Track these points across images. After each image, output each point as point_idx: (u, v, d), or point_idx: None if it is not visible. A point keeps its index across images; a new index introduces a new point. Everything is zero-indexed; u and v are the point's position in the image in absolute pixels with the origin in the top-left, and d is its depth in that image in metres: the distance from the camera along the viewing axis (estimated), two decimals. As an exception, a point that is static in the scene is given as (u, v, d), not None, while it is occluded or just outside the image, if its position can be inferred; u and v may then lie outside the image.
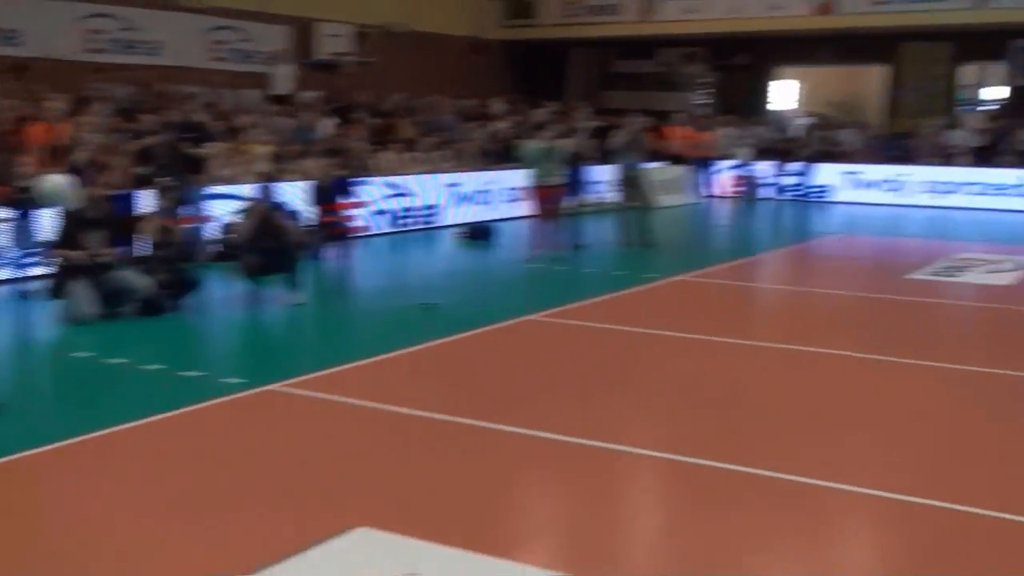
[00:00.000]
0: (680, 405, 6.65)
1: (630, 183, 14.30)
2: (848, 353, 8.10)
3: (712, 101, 27.05)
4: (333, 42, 21.76)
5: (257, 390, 6.78)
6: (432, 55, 23.92)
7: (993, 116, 23.85)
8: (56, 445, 5.60)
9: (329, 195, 13.20)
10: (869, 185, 21.88)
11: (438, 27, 24.36)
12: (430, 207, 16.48)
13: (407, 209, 16.10)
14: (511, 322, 9.13)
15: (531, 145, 13.23)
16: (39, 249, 9.95)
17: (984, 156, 21.79)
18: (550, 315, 9.52)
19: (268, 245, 9.76)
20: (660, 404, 6.70)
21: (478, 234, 15.09)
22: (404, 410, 6.36)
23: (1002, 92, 24.72)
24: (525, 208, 15.59)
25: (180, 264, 9.70)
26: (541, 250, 12.90)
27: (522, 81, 27.03)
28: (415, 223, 16.21)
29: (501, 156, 19.90)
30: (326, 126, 18.21)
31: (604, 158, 21.48)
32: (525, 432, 5.94)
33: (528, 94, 26.17)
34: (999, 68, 24.26)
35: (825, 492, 5.08)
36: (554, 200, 12.85)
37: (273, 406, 6.56)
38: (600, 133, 24.90)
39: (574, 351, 8.25)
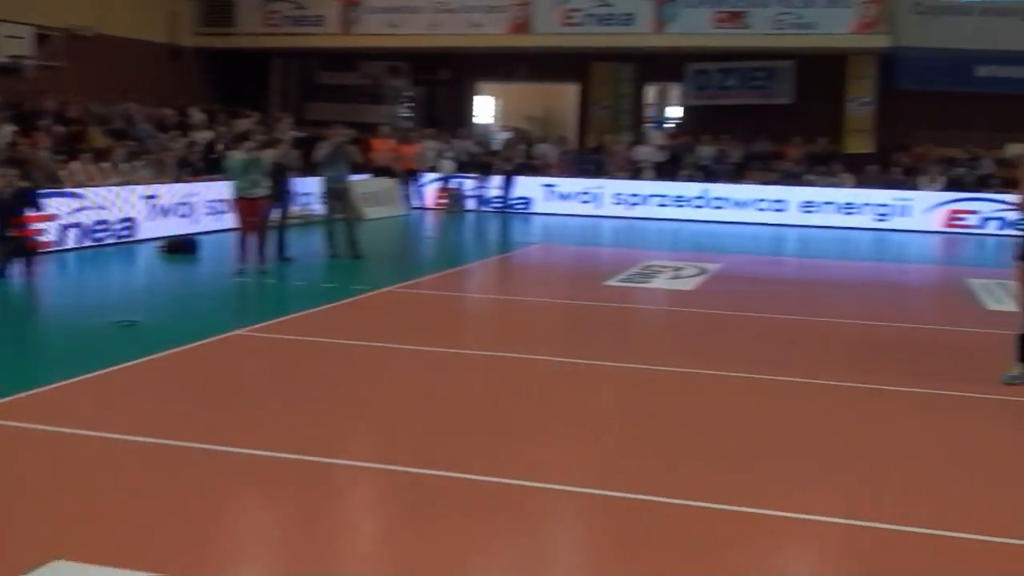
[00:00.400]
0: (391, 416, 6.71)
1: (336, 195, 14.27)
2: (550, 357, 8.47)
3: (416, 114, 27.47)
4: (13, 44, 20.22)
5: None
6: (125, 61, 22.76)
7: (673, 133, 25.76)
8: None
9: (11, 208, 12.30)
10: (566, 197, 22.96)
11: (131, 32, 23.22)
12: (126, 220, 15.66)
13: (100, 223, 15.22)
14: (217, 338, 8.85)
15: (234, 156, 12.89)
16: None
17: (667, 170, 23.49)
18: (258, 330, 9.32)
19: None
20: (371, 415, 6.73)
21: (180, 248, 14.53)
22: (101, 434, 6.02)
23: (679, 110, 26.76)
24: (230, 220, 15.17)
25: None
26: (247, 264, 12.60)
27: (222, 90, 26.28)
28: (110, 237, 15.35)
29: (202, 167, 19.27)
30: (5, 134, 16.90)
31: (310, 170, 21.31)
32: (232, 450, 5.78)
33: (229, 104, 25.49)
34: (678, 89, 26.24)
35: (534, 492, 5.29)
36: (259, 212, 12.58)
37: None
38: (305, 144, 24.69)
39: (284, 366, 8.12)
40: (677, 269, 13.92)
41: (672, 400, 7.28)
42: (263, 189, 12.52)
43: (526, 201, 23.20)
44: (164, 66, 24.41)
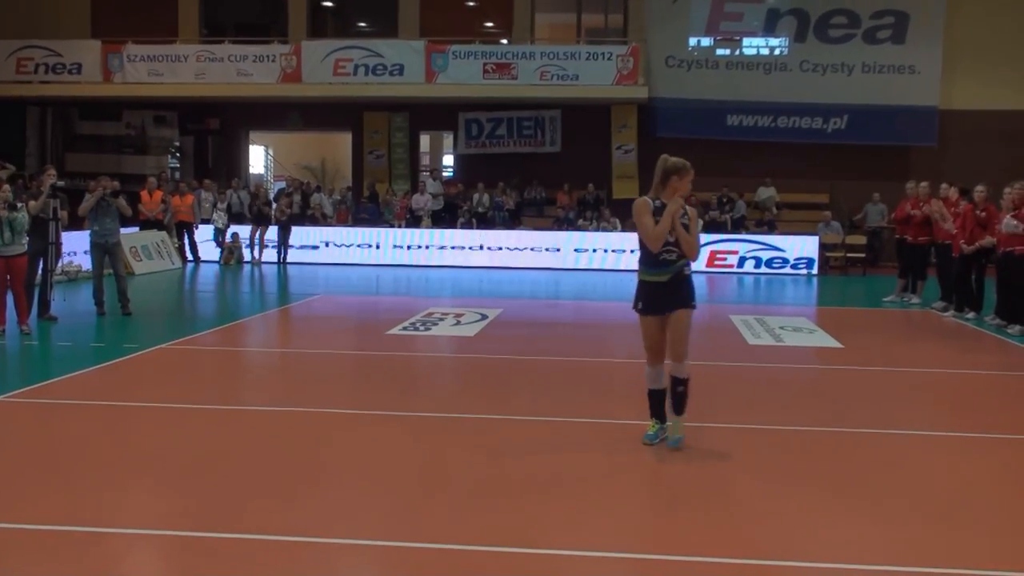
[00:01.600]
0: (167, 480, 6.46)
1: (104, 249, 13.67)
2: (336, 410, 8.41)
3: (185, 165, 26.74)
4: None
5: None
6: None
7: (448, 182, 26.20)
8: None
9: None
10: (343, 247, 22.84)
11: None
12: None
13: None
14: (-25, 406, 8.27)
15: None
16: None
17: (444, 218, 23.84)
18: (19, 395, 8.78)
19: None
20: (145, 480, 6.45)
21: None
22: None
23: (452, 159, 27.29)
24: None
25: None
26: (5, 325, 11.85)
27: (-29, 141, 24.71)
28: None
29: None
30: None
31: (74, 223, 20.33)
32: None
33: (-22, 155, 23.98)
34: (451, 137, 26.77)
35: (313, 547, 5.23)
36: (18, 270, 11.87)
37: None
38: (66, 196, 23.53)
39: (47, 433, 7.65)
40: (458, 316, 14.11)
41: (456, 446, 7.36)
42: (21, 245, 11.84)
43: (304, 251, 22.94)
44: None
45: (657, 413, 7.24)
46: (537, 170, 24.92)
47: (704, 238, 22.38)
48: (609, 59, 23.59)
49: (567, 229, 23.28)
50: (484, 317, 14.00)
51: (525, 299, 17.03)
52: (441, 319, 13.85)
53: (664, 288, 7.01)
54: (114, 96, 24.80)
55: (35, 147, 26.26)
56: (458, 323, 13.53)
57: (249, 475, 6.54)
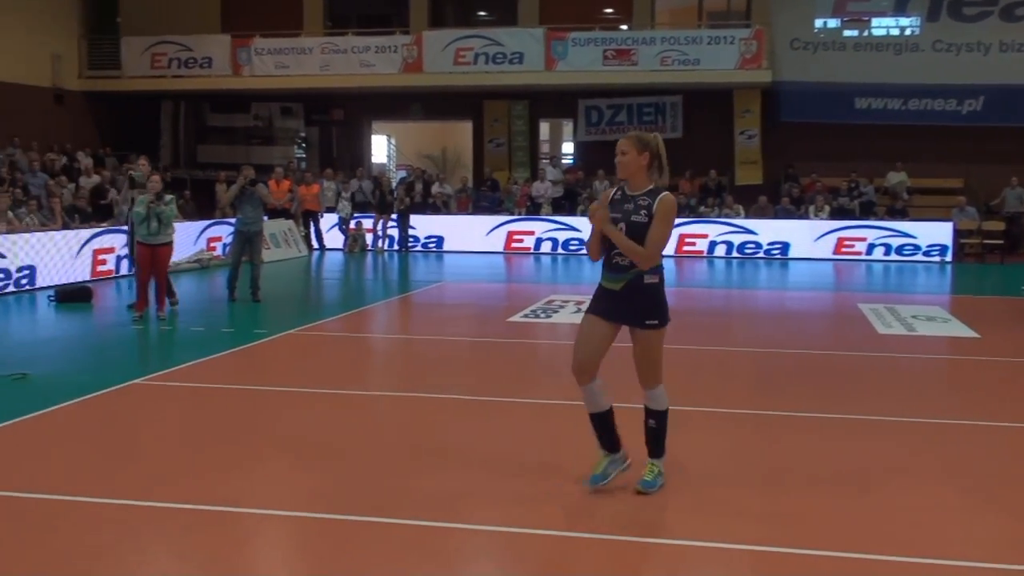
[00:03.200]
0: (290, 458, 6.59)
1: (246, 237, 13.95)
2: (458, 396, 8.45)
3: (310, 155, 27.32)
4: None
5: None
6: (7, 106, 22.13)
7: (568, 169, 26.12)
8: None
9: None
10: (465, 234, 23.01)
11: (13, 76, 22.65)
12: (25, 268, 15.17)
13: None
14: (114, 389, 8.60)
15: (135, 210, 12.60)
16: None
17: (564, 206, 23.78)
18: (157, 379, 9.09)
19: None
20: (271, 461, 6.60)
21: (73, 296, 14.11)
22: None
23: (572, 146, 27.20)
24: (129, 267, 14.84)
25: None
26: (146, 310, 12.30)
27: (111, 134, 25.75)
28: (9, 286, 14.86)
29: (93, 212, 18.82)
30: None
31: (207, 213, 21.03)
32: (131, 503, 5.60)
33: (118, 147, 25.00)
34: (570, 125, 26.69)
35: (446, 531, 5.26)
36: (158, 258, 12.30)
37: None
38: (200, 187, 24.36)
39: (183, 415, 7.92)
40: (579, 303, 14.04)
41: (575, 433, 7.31)
42: (163, 235, 12.26)
43: (427, 239, 23.22)
44: (49, 110, 23.83)
45: (605, 442, 5.86)
46: (657, 156, 24.64)
47: (831, 224, 21.85)
48: (732, 43, 23.16)
49: (689, 216, 22.96)
50: (605, 305, 13.88)
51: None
52: (562, 306, 13.81)
53: (616, 297, 5.67)
54: (243, 89, 25.47)
55: (169, 139, 27.20)
56: (579, 310, 13.42)
57: (374, 459, 6.63)
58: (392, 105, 26.32)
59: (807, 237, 21.94)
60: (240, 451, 6.79)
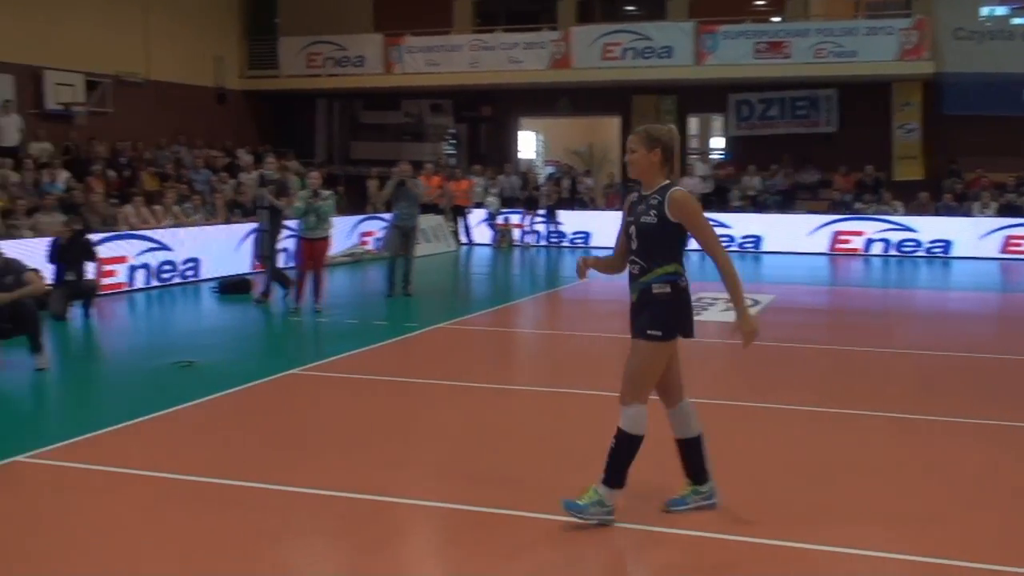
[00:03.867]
0: (446, 450, 6.67)
1: (403, 232, 14.16)
2: (604, 392, 8.38)
3: (459, 151, 27.65)
4: (64, 91, 20.66)
5: (2, 463, 6.26)
6: (173, 105, 23.16)
7: (718, 164, 25.69)
8: None
9: (70, 252, 12.51)
10: (616, 230, 22.85)
11: (178, 76, 23.66)
12: (190, 260, 15.87)
13: (167, 263, 15.44)
14: (273, 378, 8.89)
15: (295, 204, 13.02)
16: None
17: (712, 201, 23.38)
18: (313, 368, 9.35)
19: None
20: (423, 453, 6.68)
21: (234, 288, 14.65)
22: (163, 474, 6.04)
23: (722, 141, 26.72)
24: (287, 260, 15.32)
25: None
26: (302, 303, 12.67)
27: (269, 131, 26.64)
28: (175, 277, 15.58)
29: (251, 208, 19.48)
30: (61, 179, 17.24)
31: (360, 208, 21.54)
32: (290, 489, 5.77)
33: (276, 144, 25.83)
34: (720, 119, 26.23)
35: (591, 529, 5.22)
36: (316, 252, 12.67)
37: (22, 479, 6.07)
38: (353, 183, 24.95)
39: (338, 404, 8.12)
40: (729, 301, 13.78)
41: (726, 433, 7.17)
42: (320, 229, 12.60)
43: (575, 235, 23.23)
44: (212, 109, 24.81)
45: (689, 473, 5.40)
46: (810, 151, 24.00)
47: (998, 222, 20.87)
48: (891, 33, 22.33)
49: (844, 212, 22.27)
50: (756, 303, 13.61)
51: (800, 285, 16.42)
52: (711, 303, 13.59)
53: (632, 309, 5.21)
54: (394, 86, 25.96)
55: (323, 136, 27.97)
56: (729, 308, 13.19)
57: (522, 453, 6.64)
58: (540, 101, 26.39)
59: (971, 235, 21.00)
60: (393, 442, 6.91)
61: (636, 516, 5.32)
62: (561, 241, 23.01)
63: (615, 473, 5.13)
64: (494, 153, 27.02)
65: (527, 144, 29.34)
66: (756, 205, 23.13)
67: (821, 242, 21.63)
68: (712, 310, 13.11)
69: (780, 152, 23.97)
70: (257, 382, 8.67)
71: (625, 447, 5.12)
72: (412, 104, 27.44)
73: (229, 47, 25.93)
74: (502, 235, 23.05)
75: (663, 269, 5.05)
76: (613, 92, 25.10)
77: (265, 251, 13.62)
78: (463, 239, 23.02)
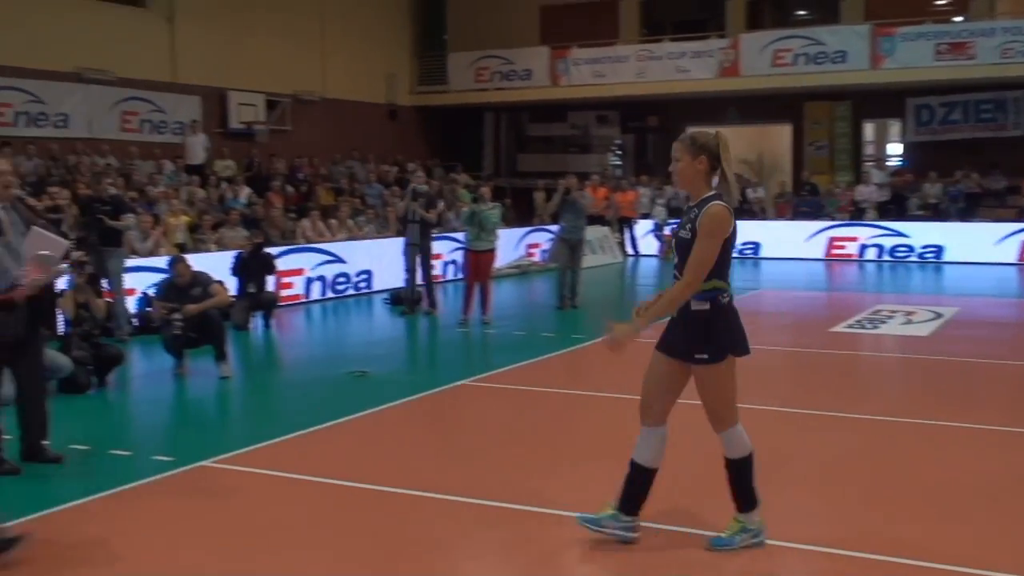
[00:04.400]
0: (611, 463, 6.58)
1: (569, 245, 14.13)
2: (777, 408, 8.16)
3: (625, 162, 27.54)
4: (246, 111, 21.65)
5: (188, 468, 6.55)
6: (347, 122, 23.94)
7: (895, 171, 24.72)
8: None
9: (251, 265, 13.04)
10: (783, 240, 22.34)
11: (352, 94, 24.45)
12: (363, 273, 16.36)
13: (341, 275, 15.97)
14: (444, 389, 9.03)
15: (462, 210, 13.26)
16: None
17: (890, 210, 22.51)
18: (482, 380, 9.45)
19: (192, 318, 9.53)
20: (595, 466, 6.63)
21: (407, 300, 14.96)
22: (341, 482, 6.20)
23: (900, 148, 25.70)
24: (457, 272, 15.59)
25: (101, 339, 9.37)
26: (470, 314, 12.84)
27: (438, 146, 27.20)
28: (349, 289, 16.08)
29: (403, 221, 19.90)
30: (243, 195, 18.03)
31: (527, 220, 21.72)
32: (463, 500, 5.82)
33: (445, 158, 26.36)
34: (897, 125, 25.24)
35: (773, 550, 5.06)
36: (481, 264, 12.81)
37: (208, 483, 6.34)
38: (520, 195, 25.17)
39: (506, 416, 8.17)
40: (909, 314, 13.24)
41: (913, 452, 6.85)
42: (487, 241, 12.73)
43: (743, 245, 22.77)
44: (383, 125, 25.52)
45: (623, 504, 5.03)
46: (994, 156, 22.80)
47: None
48: (1087, 29, 21.03)
49: (1033, 221, 21.08)
50: (938, 316, 13.01)
51: (986, 297, 15.59)
52: (890, 317, 13.06)
53: (671, 326, 4.93)
54: (561, 99, 26.09)
55: (490, 149, 28.37)
56: (909, 322, 12.68)
57: (688, 470, 6.51)
58: (708, 110, 26.01)
59: None
60: (561, 454, 6.90)
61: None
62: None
63: (745, 496, 4.98)
64: (661, 163, 26.75)
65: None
66: (937, 213, 22.13)
67: (1009, 252, 20.48)
68: (891, 323, 12.61)
69: (962, 158, 22.85)
70: (428, 392, 8.82)
71: (743, 469, 4.97)
72: (578, 116, 27.51)
73: (400, 65, 26.62)
74: (669, 246, 22.77)
75: (702, 285, 4.74)
76: (783, 99, 24.51)
77: (412, 264, 13.84)
78: (629, 250, 22.89)
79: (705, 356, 4.77)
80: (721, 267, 4.76)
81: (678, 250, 4.85)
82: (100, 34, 18.69)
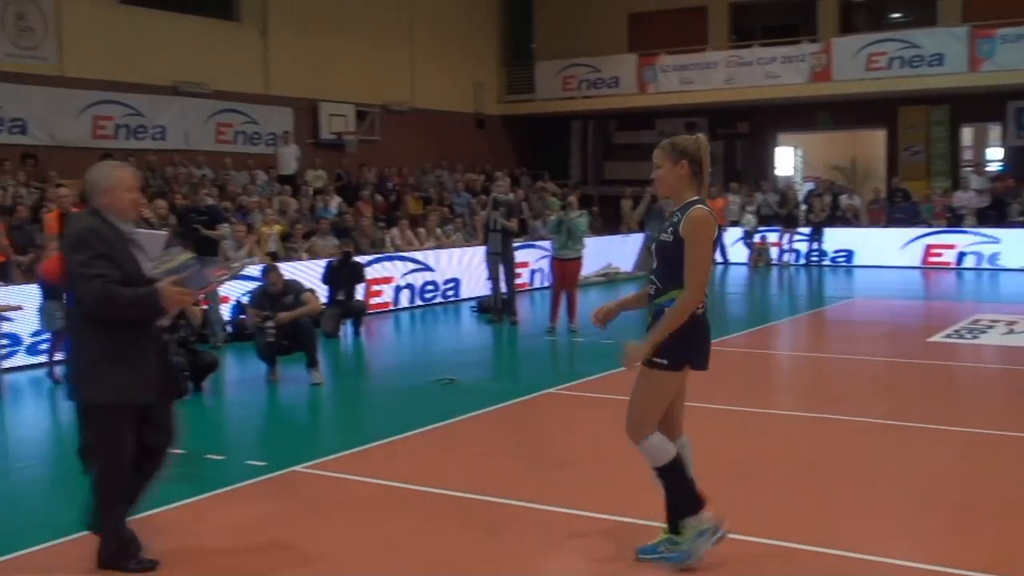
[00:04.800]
0: (698, 474, 6.50)
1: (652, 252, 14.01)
2: (871, 419, 7.97)
3: (713, 169, 27.23)
4: (337, 122, 21.98)
5: (281, 472, 6.66)
6: (435, 132, 24.14)
7: (994, 176, 24.00)
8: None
9: (342, 273, 13.22)
10: (878, 248, 21.84)
11: (440, 104, 24.64)
12: (450, 281, 16.49)
13: (429, 284, 16.12)
14: (531, 397, 9.02)
15: (549, 218, 13.28)
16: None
17: (990, 216, 21.85)
18: (569, 388, 9.42)
19: (284, 326, 9.69)
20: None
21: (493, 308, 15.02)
22: (430, 489, 6.23)
23: (1000, 152, 24.95)
24: (544, 280, 15.59)
25: (197, 345, 9.58)
26: (556, 322, 12.82)
27: (524, 154, 27.26)
28: (437, 297, 16.22)
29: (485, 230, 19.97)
30: (333, 204, 18.30)
31: (614, 228, 21.66)
32: (550, 509, 5.80)
33: (531, 167, 26.42)
34: (997, 129, 24.51)
35: (866, 565, 4.94)
36: (568, 272, 12.79)
37: (300, 488, 6.43)
38: (606, 203, 25.12)
39: (594, 425, 8.12)
40: (1011, 323, 12.82)
41: (1017, 468, 6.62)
42: (574, 250, 12.70)
43: (836, 253, 22.34)
44: (471, 134, 25.67)
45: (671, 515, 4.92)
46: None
47: None
48: None
49: None
50: (1038, 326, 12.59)
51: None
52: (990, 327, 12.67)
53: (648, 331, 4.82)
54: (648, 106, 25.93)
55: (578, 158, 28.33)
56: (1011, 332, 12.28)
57: (787, 481, 6.40)
58: (799, 115, 25.62)
59: None
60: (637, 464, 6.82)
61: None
62: (822, 260, 22.16)
63: (687, 503, 4.83)
64: (751, 170, 26.45)
65: (784, 160, 28.55)
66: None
67: None
68: (991, 333, 12.23)
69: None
70: (515, 401, 8.84)
71: (672, 476, 4.81)
72: (666, 123, 27.28)
73: (488, 74, 26.77)
74: (759, 254, 22.49)
75: (678, 291, 4.66)
76: (877, 104, 24.01)
77: (494, 273, 13.84)
78: (718, 258, 22.63)
79: (665, 362, 4.69)
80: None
81: (657, 254, 4.83)
82: (196, 49, 19.17)
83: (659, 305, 4.76)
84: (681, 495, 4.82)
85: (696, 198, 4.74)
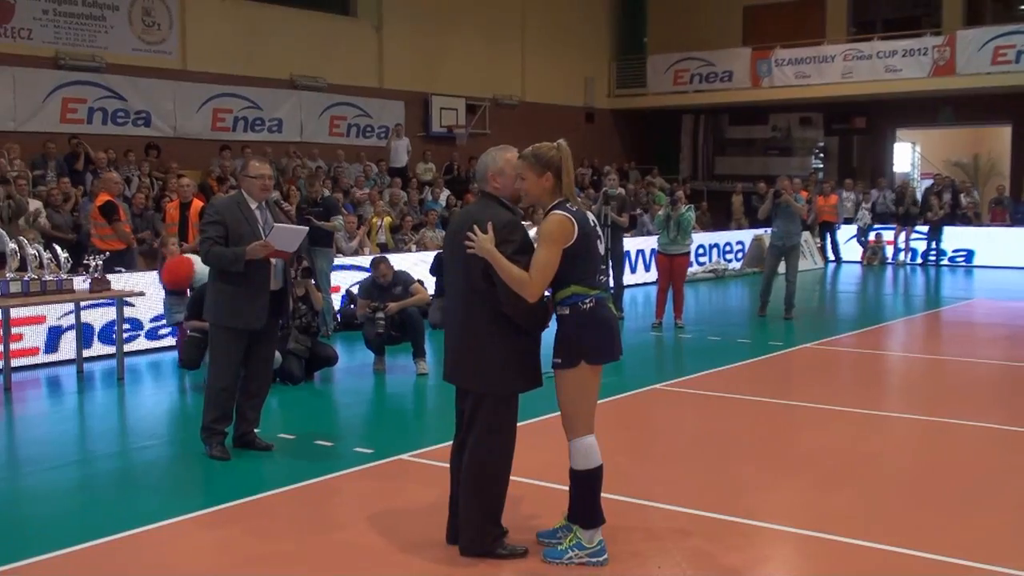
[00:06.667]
0: (809, 477, 6.39)
1: (780, 251, 13.51)
2: (987, 424, 7.72)
3: (827, 164, 26.69)
4: (447, 115, 22.20)
5: (387, 460, 6.77)
6: (545, 125, 24.11)
7: None
8: (199, 513, 5.66)
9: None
10: (998, 248, 21.10)
11: (550, 98, 24.69)
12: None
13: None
14: (637, 392, 8.98)
15: (657, 213, 13.17)
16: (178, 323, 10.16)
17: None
18: (675, 384, 9.36)
19: (392, 315, 9.83)
20: (792, 478, 6.45)
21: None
22: (532, 481, 6.25)
23: None
24: (650, 275, 15.49)
25: (312, 335, 9.74)
26: (662, 317, 12.73)
27: (633, 148, 27.12)
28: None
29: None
30: (442, 197, 18.49)
31: (723, 224, 21.41)
32: (652, 504, 5.78)
33: (640, 161, 26.27)
34: None
35: (975, 573, 4.79)
36: (675, 267, 12.68)
37: (405, 475, 6.53)
38: (716, 198, 24.83)
39: (699, 421, 8.06)
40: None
41: None
42: (682, 245, 12.57)
43: (955, 252, 21.64)
44: (581, 128, 25.63)
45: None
46: None
47: None
48: None
49: None
50: None
51: None
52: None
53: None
54: (762, 100, 25.53)
55: (688, 152, 28.05)
56: None
57: (895, 484, 6.25)
58: (919, 110, 24.89)
59: None
60: (756, 464, 6.74)
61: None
62: (940, 260, 21.49)
63: (580, 509, 4.89)
64: (866, 166, 25.83)
65: (903, 156, 27.78)
66: None
67: None
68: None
69: None
70: (622, 395, 8.81)
71: (586, 484, 4.87)
72: (780, 117, 26.85)
73: (599, 67, 26.71)
74: (872, 252, 21.93)
75: (561, 293, 4.73)
76: (1004, 99, 23.15)
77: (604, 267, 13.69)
78: (830, 256, 22.14)
79: (559, 361, 4.73)
80: (582, 272, 4.73)
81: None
82: (313, 43, 19.59)
83: (555, 309, 4.82)
84: (588, 506, 4.88)
85: (558, 202, 4.77)
